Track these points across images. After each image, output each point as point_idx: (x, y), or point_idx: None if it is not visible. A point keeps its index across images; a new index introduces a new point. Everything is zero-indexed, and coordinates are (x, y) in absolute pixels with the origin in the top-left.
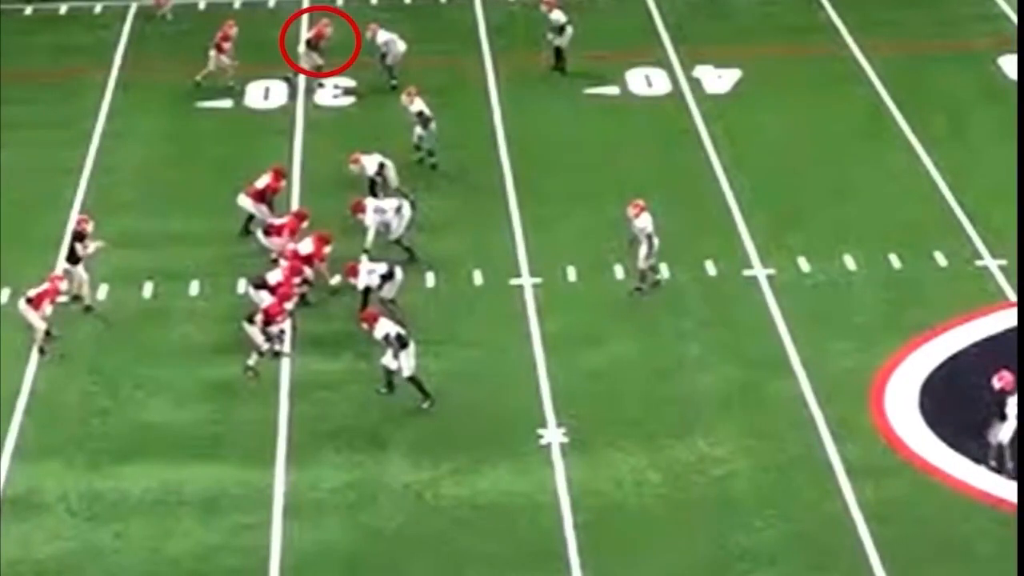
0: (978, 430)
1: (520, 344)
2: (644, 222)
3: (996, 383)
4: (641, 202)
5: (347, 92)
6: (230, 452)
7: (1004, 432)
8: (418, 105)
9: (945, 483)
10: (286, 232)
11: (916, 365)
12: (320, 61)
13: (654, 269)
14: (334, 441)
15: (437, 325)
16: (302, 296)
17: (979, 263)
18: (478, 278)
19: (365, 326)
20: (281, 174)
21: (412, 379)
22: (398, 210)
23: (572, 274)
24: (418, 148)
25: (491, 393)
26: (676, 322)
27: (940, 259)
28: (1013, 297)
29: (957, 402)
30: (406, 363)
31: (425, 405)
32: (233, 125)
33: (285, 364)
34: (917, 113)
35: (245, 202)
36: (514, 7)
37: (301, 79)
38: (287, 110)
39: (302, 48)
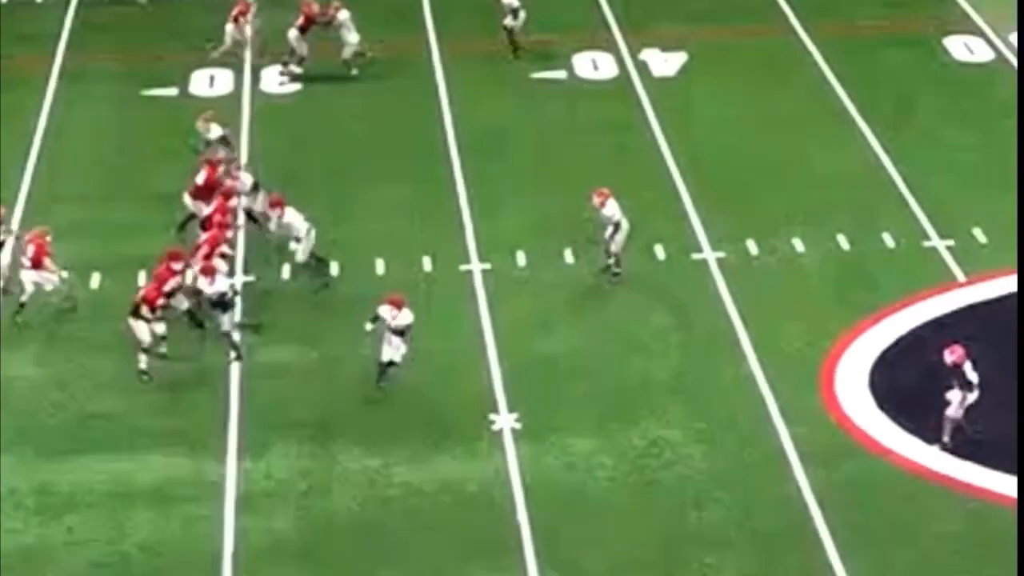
0: (928, 410)
1: (470, 330)
2: (611, 210)
3: (948, 357)
4: (605, 190)
5: (293, 79)
6: (181, 443)
7: (962, 403)
8: (216, 131)
9: (896, 463)
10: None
11: (866, 346)
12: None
13: (616, 260)
14: (285, 431)
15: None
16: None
17: (927, 244)
18: (427, 264)
19: (391, 310)
20: (214, 164)
21: (388, 363)
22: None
23: (522, 259)
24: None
25: (442, 379)
26: (626, 306)
27: (888, 240)
28: (961, 277)
29: (907, 383)
30: (395, 350)
31: (380, 385)
32: (178, 113)
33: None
34: (864, 95)
35: (188, 202)
36: None
37: (247, 67)
38: (233, 98)
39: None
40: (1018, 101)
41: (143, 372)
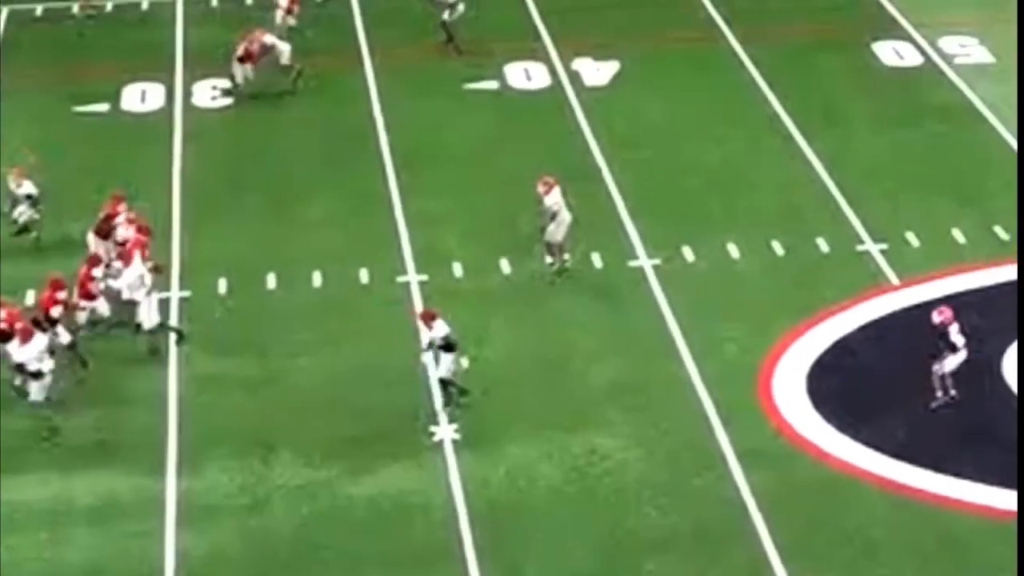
0: (865, 413)
1: (409, 341)
2: (553, 199)
3: (936, 317)
4: (551, 179)
5: (225, 93)
6: (120, 460)
7: (949, 363)
8: (27, 188)
9: (834, 467)
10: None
11: (803, 350)
12: (251, 75)
13: (561, 249)
14: (225, 445)
15: (324, 325)
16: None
17: (860, 247)
18: (364, 276)
19: (422, 324)
20: (119, 198)
21: (443, 381)
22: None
23: (458, 269)
24: (26, 229)
25: (382, 391)
26: (564, 315)
27: (822, 245)
28: (895, 280)
29: (844, 386)
30: (445, 366)
31: (463, 400)
32: (109, 130)
33: (172, 369)
34: (795, 101)
35: (91, 239)
36: (389, 1)
37: (178, 82)
38: (165, 113)
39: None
40: (1018, 101)
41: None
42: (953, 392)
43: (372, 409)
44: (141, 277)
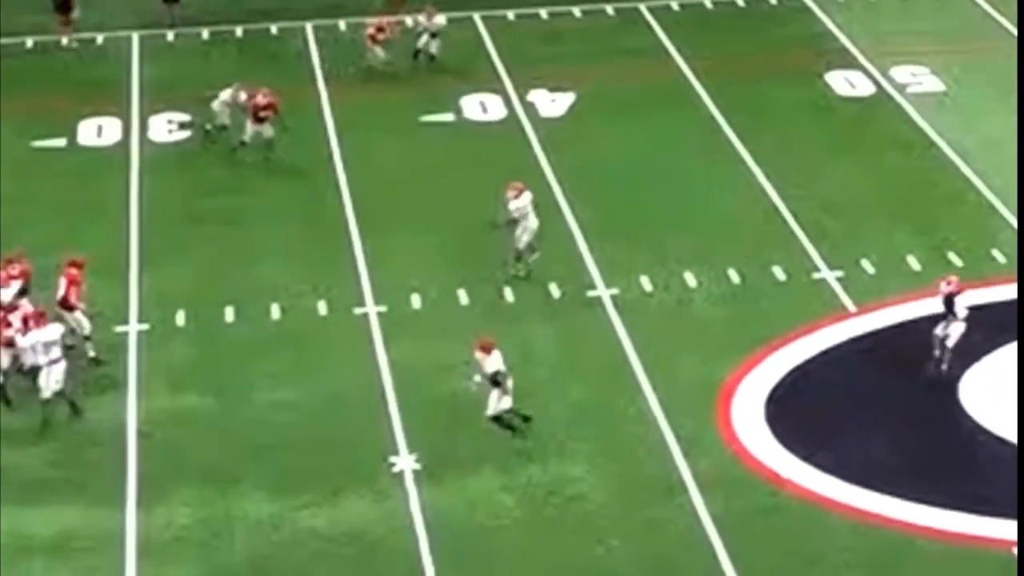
0: (823, 439)
1: (368, 373)
2: (522, 202)
3: (944, 287)
4: (520, 184)
5: (181, 126)
6: (79, 493)
7: (954, 330)
8: None
9: (795, 494)
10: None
11: (761, 378)
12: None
13: (532, 248)
14: (186, 478)
15: (283, 357)
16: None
17: (816, 275)
18: (322, 308)
19: (479, 354)
20: (77, 264)
21: (494, 418)
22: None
23: (416, 301)
24: None
25: (341, 423)
26: (523, 345)
27: (779, 273)
28: (852, 307)
29: (803, 412)
30: (494, 402)
31: (523, 425)
32: (67, 164)
33: (132, 401)
34: (749, 131)
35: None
36: (345, 36)
37: (135, 116)
38: (122, 147)
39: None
40: (1018, 102)
41: None
42: (945, 366)
43: (332, 441)
44: (46, 345)
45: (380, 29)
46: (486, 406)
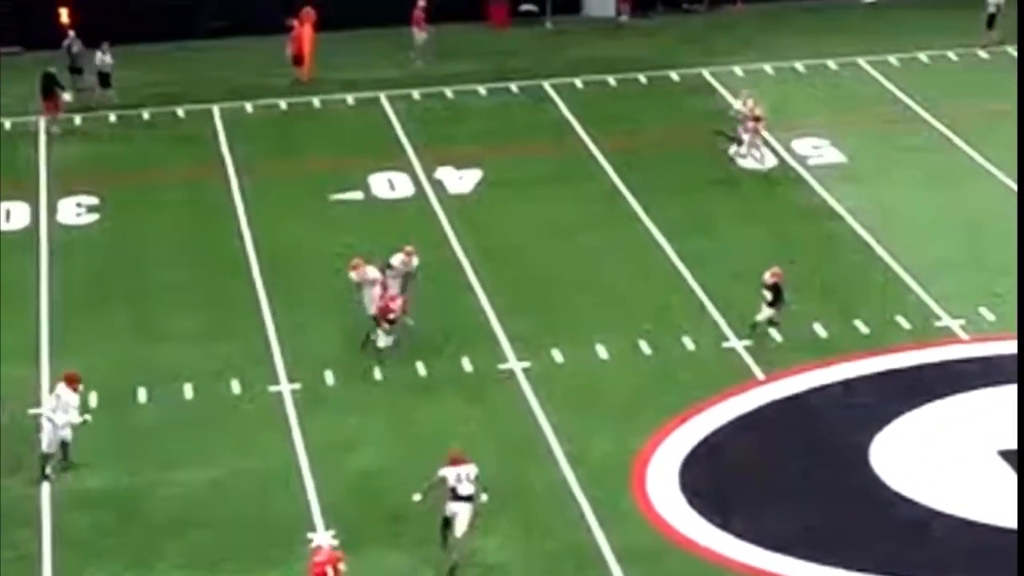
0: (738, 505)
1: (283, 450)
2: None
3: (768, 278)
4: (411, 247)
5: (90, 209)
6: None
7: (763, 314)
8: None
9: (712, 560)
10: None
11: (674, 447)
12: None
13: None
14: (102, 560)
15: (198, 436)
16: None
17: (726, 344)
18: (236, 387)
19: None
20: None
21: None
22: None
23: (330, 377)
24: None
25: (258, 501)
26: (436, 419)
27: (688, 343)
28: (761, 376)
29: (717, 480)
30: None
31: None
32: None
33: (45, 484)
34: (655, 203)
35: None
36: (253, 115)
37: (43, 199)
38: (30, 231)
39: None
40: (1019, 105)
41: None
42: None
43: (250, 518)
44: None
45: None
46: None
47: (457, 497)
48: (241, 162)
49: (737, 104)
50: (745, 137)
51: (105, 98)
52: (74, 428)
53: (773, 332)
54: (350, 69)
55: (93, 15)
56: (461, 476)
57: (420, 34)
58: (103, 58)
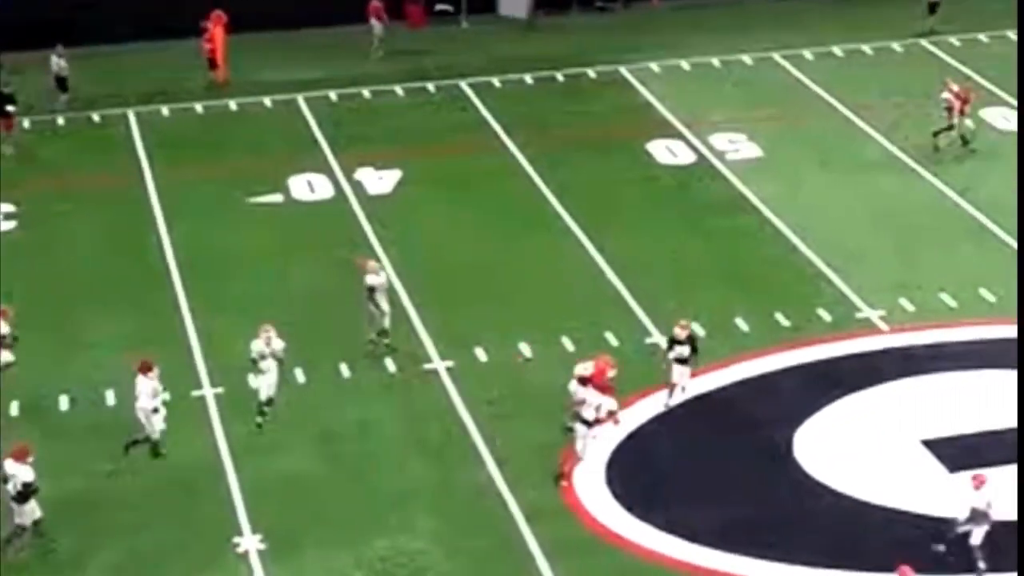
0: (662, 500)
1: (208, 454)
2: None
3: (679, 331)
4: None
5: (7, 217)
6: None
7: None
8: None
9: (639, 555)
10: None
11: (599, 443)
12: None
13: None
14: (29, 566)
15: (122, 441)
16: None
17: (649, 340)
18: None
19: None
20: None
21: None
22: None
23: (253, 381)
24: None
25: (184, 505)
26: (361, 420)
27: (612, 339)
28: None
29: (643, 475)
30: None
31: None
32: None
33: None
34: (574, 200)
35: None
36: (169, 119)
37: None
38: None
39: None
40: (1018, 106)
41: None
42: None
43: (176, 523)
44: None
45: None
46: None
47: None
48: (158, 166)
49: (945, 94)
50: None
51: (60, 103)
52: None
53: (695, 326)
54: (265, 71)
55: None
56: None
57: (379, 26)
58: (58, 61)
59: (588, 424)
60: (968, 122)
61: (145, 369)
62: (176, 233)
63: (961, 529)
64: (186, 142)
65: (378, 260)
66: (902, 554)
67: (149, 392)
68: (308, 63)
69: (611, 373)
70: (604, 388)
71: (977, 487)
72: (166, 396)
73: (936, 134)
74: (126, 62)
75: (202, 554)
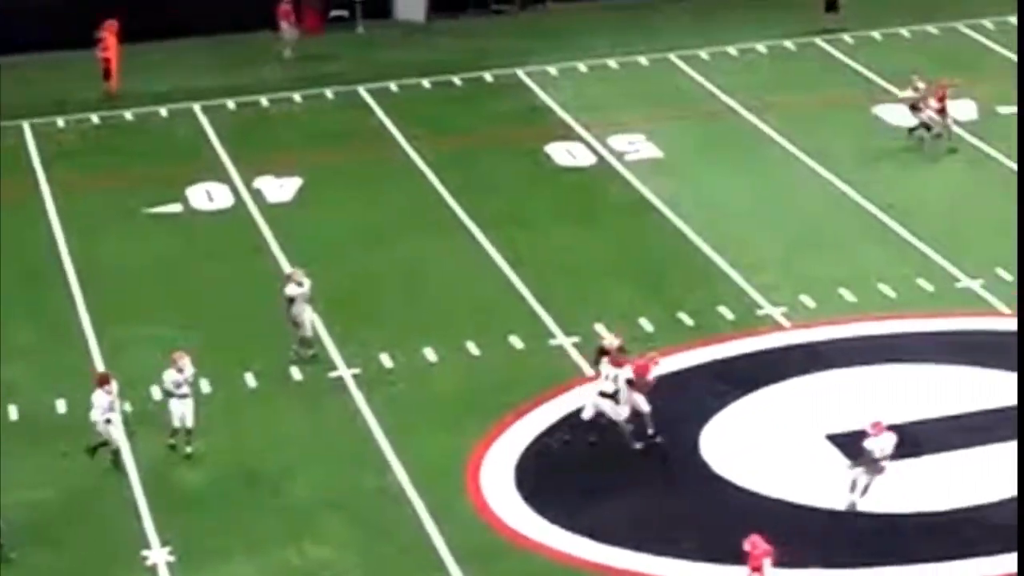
0: (573, 502)
1: (111, 468)
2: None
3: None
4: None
5: None
6: None
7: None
8: None
9: (551, 558)
10: None
11: (507, 446)
12: None
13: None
14: None
15: (25, 457)
16: None
17: (553, 342)
18: (61, 407)
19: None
20: None
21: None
22: None
23: (157, 393)
24: None
25: (91, 520)
26: (269, 430)
27: (516, 342)
28: (589, 372)
29: (552, 477)
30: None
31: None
32: None
33: None
34: (474, 203)
35: None
36: (65, 130)
37: None
38: None
39: None
40: (1018, 107)
41: None
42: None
43: (83, 539)
44: None
45: None
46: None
47: None
48: (55, 178)
49: (905, 92)
50: (936, 117)
51: None
52: None
53: (599, 327)
54: (160, 81)
55: None
56: None
57: (289, 28)
58: None
59: (608, 396)
60: (950, 120)
61: (102, 382)
62: (73, 244)
63: (850, 473)
64: (82, 153)
65: (292, 269)
66: (806, 548)
67: (105, 405)
68: (204, 72)
69: (651, 376)
70: (640, 384)
71: (876, 434)
72: (127, 407)
73: (912, 131)
74: (19, 73)
75: (112, 569)
